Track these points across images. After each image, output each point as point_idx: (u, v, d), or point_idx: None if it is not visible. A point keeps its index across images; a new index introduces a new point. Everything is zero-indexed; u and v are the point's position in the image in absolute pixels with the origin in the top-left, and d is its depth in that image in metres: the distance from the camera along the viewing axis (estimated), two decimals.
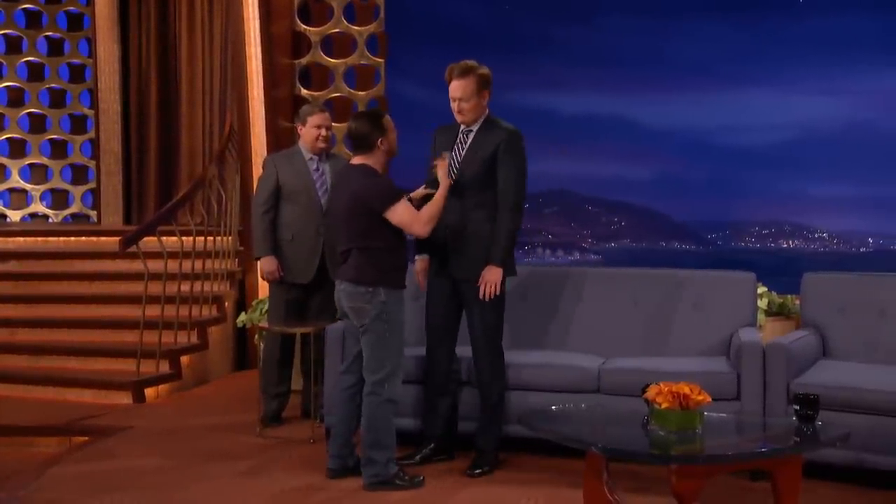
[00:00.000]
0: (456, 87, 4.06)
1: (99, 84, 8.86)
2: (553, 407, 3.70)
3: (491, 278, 4.03)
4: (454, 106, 4.10)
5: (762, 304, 5.36)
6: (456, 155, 4.13)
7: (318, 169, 4.98)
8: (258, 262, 4.97)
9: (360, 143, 3.92)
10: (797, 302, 5.16)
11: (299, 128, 5.00)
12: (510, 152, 4.07)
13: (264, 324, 5.08)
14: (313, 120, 4.94)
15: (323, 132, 4.93)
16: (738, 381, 4.03)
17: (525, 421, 3.49)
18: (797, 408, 3.31)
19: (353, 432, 4.02)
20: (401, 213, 3.85)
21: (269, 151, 6.47)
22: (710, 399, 3.18)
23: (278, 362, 5.04)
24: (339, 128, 6.95)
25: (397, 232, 3.90)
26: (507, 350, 4.28)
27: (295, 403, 5.16)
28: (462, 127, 4.16)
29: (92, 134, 9.31)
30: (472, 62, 4.09)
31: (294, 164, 4.96)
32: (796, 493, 3.18)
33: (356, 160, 3.96)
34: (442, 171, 3.99)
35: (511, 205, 4.05)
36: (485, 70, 4.10)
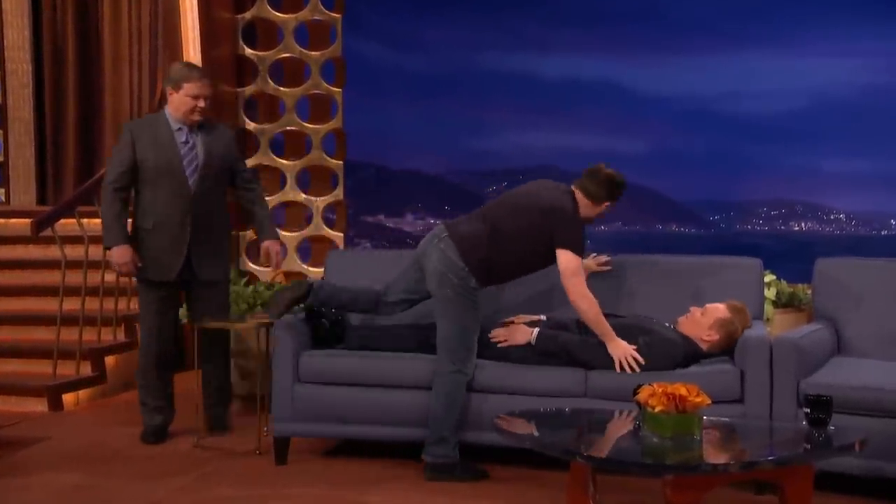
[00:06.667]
0: None
1: (5, 41, 8.70)
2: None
3: None
4: None
5: (770, 294, 5.41)
6: None
7: (187, 141, 4.66)
8: (108, 253, 4.71)
9: (591, 188, 4.29)
10: (809, 292, 5.21)
11: (169, 92, 4.68)
12: None
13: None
14: (190, 88, 4.60)
15: (200, 103, 4.62)
16: (741, 381, 4.06)
17: (501, 427, 3.49)
18: (808, 411, 3.35)
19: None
20: (571, 261, 4.20)
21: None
22: (709, 401, 3.20)
23: (159, 367, 4.87)
24: (290, 93, 6.90)
25: (544, 261, 4.29)
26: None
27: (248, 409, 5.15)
28: None
29: None
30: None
31: (157, 134, 4.64)
32: None
33: (575, 188, 4.31)
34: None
35: None
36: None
